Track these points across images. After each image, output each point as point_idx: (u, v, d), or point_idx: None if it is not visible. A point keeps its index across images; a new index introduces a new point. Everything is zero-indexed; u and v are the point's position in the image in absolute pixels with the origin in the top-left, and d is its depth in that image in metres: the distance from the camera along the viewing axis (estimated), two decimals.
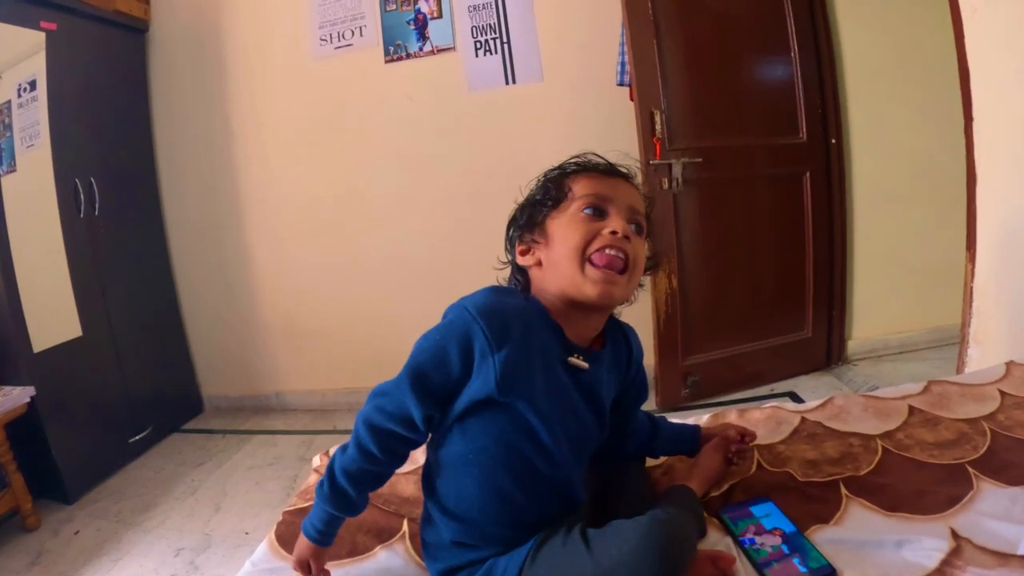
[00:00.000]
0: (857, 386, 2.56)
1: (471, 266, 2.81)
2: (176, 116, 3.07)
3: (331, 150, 2.96)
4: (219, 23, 2.99)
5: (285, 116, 2.99)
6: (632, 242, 0.84)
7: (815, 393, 2.52)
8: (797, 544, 0.86)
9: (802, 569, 0.81)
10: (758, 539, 0.88)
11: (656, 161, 2.32)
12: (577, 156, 0.93)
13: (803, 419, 1.18)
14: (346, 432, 2.76)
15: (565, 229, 0.84)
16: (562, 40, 2.70)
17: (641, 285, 0.92)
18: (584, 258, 0.83)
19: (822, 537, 0.88)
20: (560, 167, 0.92)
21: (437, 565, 0.87)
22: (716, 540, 0.90)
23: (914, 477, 1.00)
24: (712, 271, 2.54)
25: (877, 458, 1.06)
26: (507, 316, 0.80)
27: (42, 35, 2.43)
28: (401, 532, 1.02)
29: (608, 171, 0.89)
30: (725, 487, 1.03)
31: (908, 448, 1.09)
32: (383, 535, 1.00)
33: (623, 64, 2.45)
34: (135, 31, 2.96)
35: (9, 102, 2.37)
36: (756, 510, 0.94)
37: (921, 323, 2.84)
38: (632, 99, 2.38)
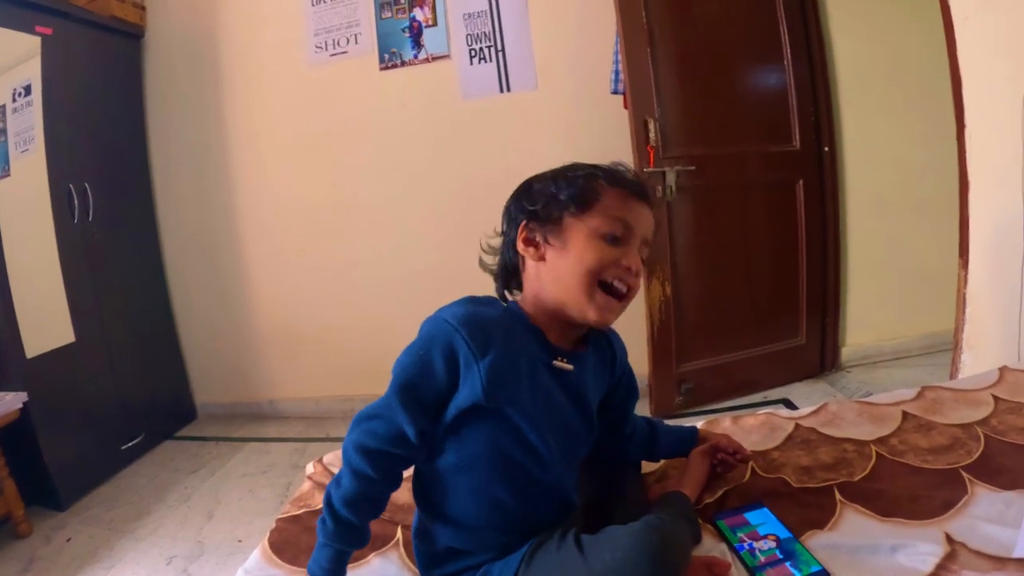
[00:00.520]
0: (851, 392, 2.57)
1: (466, 274, 2.79)
2: (171, 122, 3.07)
3: (326, 157, 2.97)
4: (214, 29, 2.99)
5: (280, 123, 2.99)
6: (640, 272, 0.85)
7: (809, 400, 2.52)
8: (791, 549, 0.86)
9: (796, 574, 0.81)
10: (753, 544, 0.88)
11: (650, 169, 2.33)
12: (611, 164, 0.89)
13: (797, 425, 1.19)
14: (339, 439, 2.75)
15: (583, 247, 0.82)
16: (556, 48, 2.72)
17: None
18: (594, 284, 0.82)
19: (817, 543, 0.88)
20: (593, 167, 0.88)
21: (432, 572, 0.86)
22: (711, 546, 0.90)
23: (908, 482, 1.00)
24: (706, 279, 2.55)
25: (871, 464, 1.07)
26: (487, 324, 0.80)
27: (37, 39, 2.43)
28: (395, 539, 1.02)
29: (639, 193, 0.86)
30: (720, 493, 1.03)
31: (902, 453, 1.09)
32: (377, 542, 0.99)
33: (617, 72, 2.46)
34: (131, 37, 2.97)
35: (3, 106, 2.36)
36: (751, 516, 0.94)
37: (914, 329, 2.86)
38: (626, 107, 2.39)
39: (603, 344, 0.95)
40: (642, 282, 0.88)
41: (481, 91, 2.78)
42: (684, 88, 2.45)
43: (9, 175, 2.35)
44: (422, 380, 0.79)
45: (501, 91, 2.76)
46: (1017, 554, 0.79)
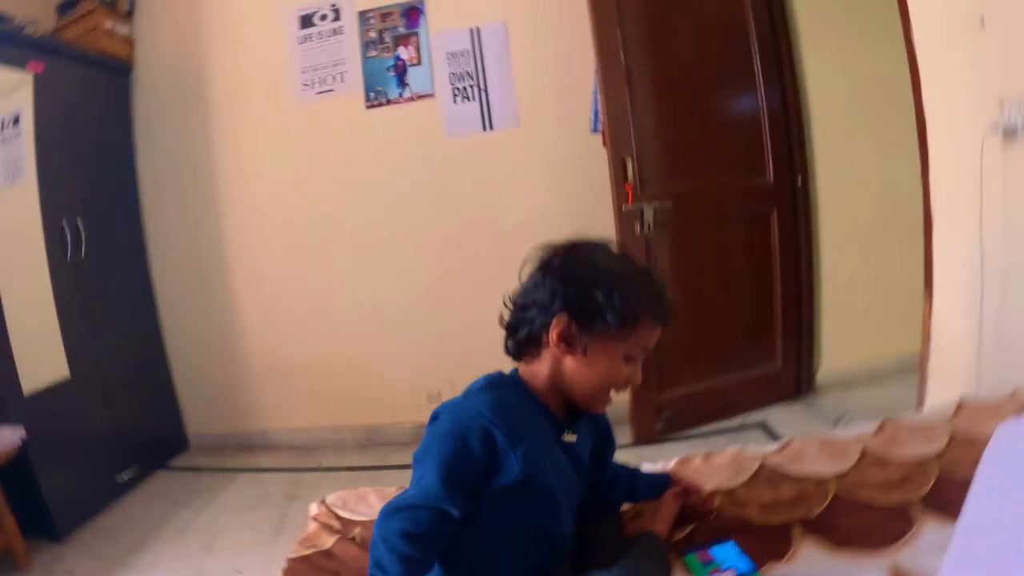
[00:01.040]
0: (827, 414, 2.67)
1: (450, 306, 2.94)
2: (160, 156, 3.14)
3: (313, 192, 3.05)
4: (202, 65, 3.07)
5: (268, 158, 3.07)
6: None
7: (785, 422, 2.62)
8: None
9: None
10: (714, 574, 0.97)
11: (628, 207, 2.43)
12: (651, 282, 0.97)
13: (762, 464, 1.28)
14: (332, 469, 2.82)
15: (605, 364, 0.93)
16: (537, 87, 2.83)
17: None
18: (606, 393, 0.95)
19: (774, 573, 0.97)
20: (639, 286, 0.94)
21: None
22: None
23: (861, 517, 1.09)
24: (684, 309, 2.61)
25: (828, 500, 1.15)
26: (515, 413, 0.91)
27: (29, 76, 2.48)
28: None
29: (667, 322, 0.96)
30: (688, 529, 1.11)
31: (858, 489, 1.18)
32: None
33: (596, 112, 2.57)
34: (119, 72, 3.03)
35: None
36: (716, 551, 1.02)
37: (888, 351, 2.94)
38: (605, 146, 2.50)
39: None
40: None
41: (464, 129, 2.88)
42: (661, 126, 2.56)
43: None
44: (464, 465, 0.87)
45: (484, 129, 2.87)
46: None
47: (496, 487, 0.89)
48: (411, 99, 2.91)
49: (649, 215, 2.46)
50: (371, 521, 1.21)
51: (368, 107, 2.95)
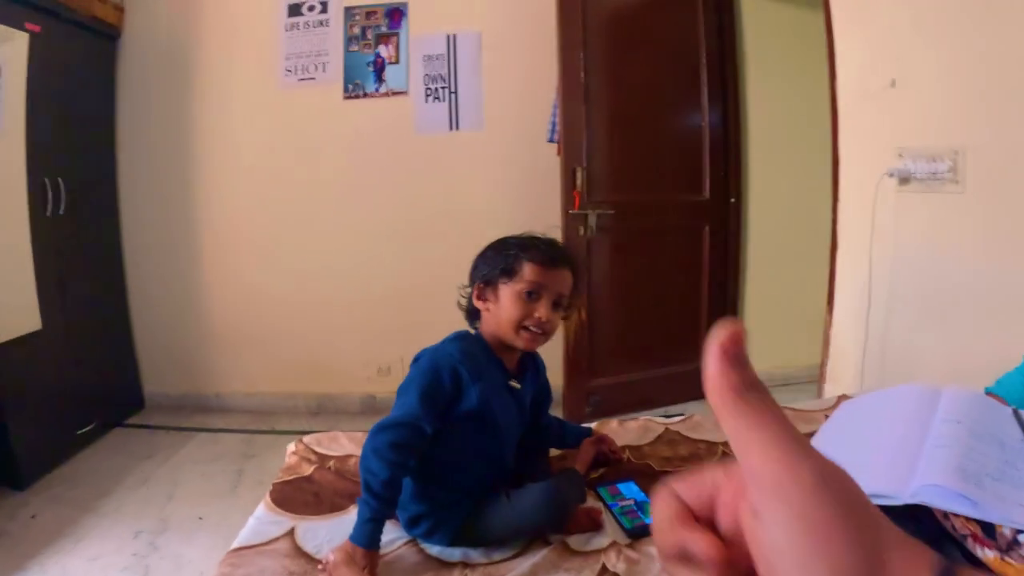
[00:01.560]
0: None
1: (406, 288, 3.17)
2: (140, 122, 3.22)
3: (287, 171, 3.21)
4: (190, 38, 3.18)
5: (245, 135, 3.21)
6: (552, 319, 1.23)
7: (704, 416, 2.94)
8: (643, 506, 1.25)
9: (642, 516, 1.21)
10: (619, 503, 1.27)
11: (575, 211, 2.71)
12: (532, 237, 1.28)
13: (667, 428, 1.58)
14: (285, 433, 3.04)
15: (508, 303, 1.22)
16: (504, 95, 3.08)
17: None
18: (518, 328, 1.22)
19: None
20: (520, 245, 1.25)
21: (405, 514, 1.22)
22: (591, 503, 1.28)
23: None
24: (619, 308, 2.95)
25: (716, 458, 1.46)
26: (477, 359, 1.23)
27: (26, 36, 2.55)
28: None
29: (551, 261, 1.24)
30: (600, 472, 1.41)
31: None
32: (354, 496, 1.30)
33: (554, 124, 2.84)
34: (108, 37, 3.10)
35: None
36: (621, 487, 1.32)
37: (799, 360, 3.24)
38: (559, 155, 2.77)
39: (534, 365, 1.37)
40: (557, 325, 1.27)
41: (433, 127, 3.11)
42: (612, 141, 2.85)
43: None
44: (437, 392, 1.17)
45: (451, 129, 3.11)
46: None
47: (458, 413, 1.19)
48: (386, 94, 3.12)
49: (593, 220, 2.75)
50: (344, 456, 1.47)
51: (346, 98, 3.14)
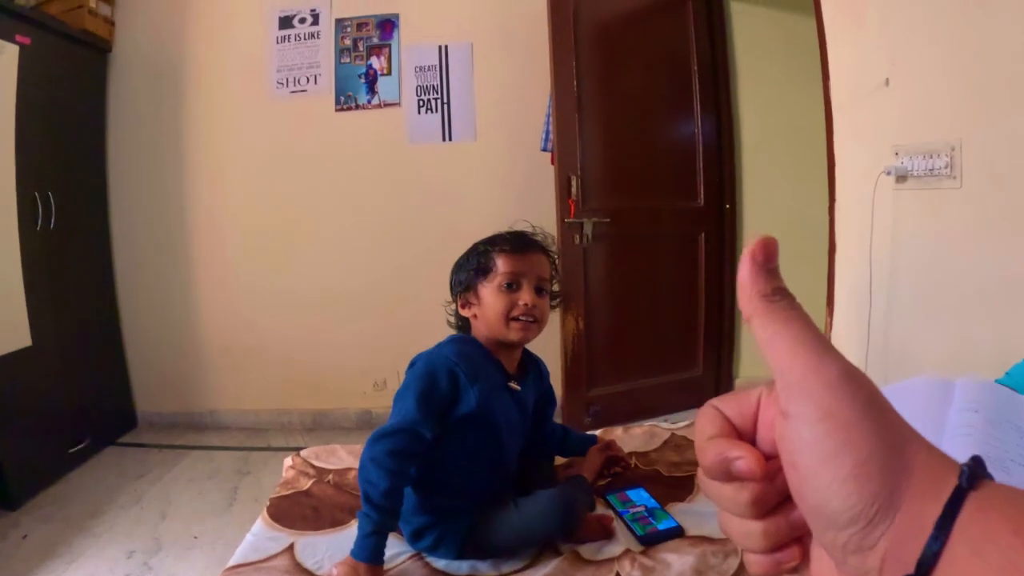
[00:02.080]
0: None
1: (400, 300, 3.14)
2: (130, 136, 3.21)
3: (279, 184, 3.19)
4: (181, 53, 3.17)
5: (237, 148, 3.19)
6: (539, 304, 1.21)
7: None
8: (655, 512, 1.22)
9: (653, 522, 1.19)
10: (629, 510, 1.24)
11: (570, 219, 2.70)
12: (500, 233, 1.28)
13: (672, 434, 1.55)
14: (281, 449, 2.98)
15: (492, 299, 1.22)
16: (496, 106, 3.07)
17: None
18: (507, 320, 1.20)
19: (677, 509, 1.24)
20: (487, 242, 1.26)
21: (408, 527, 1.18)
22: (601, 510, 1.26)
23: None
24: (616, 316, 2.93)
25: None
26: (474, 360, 1.19)
27: (16, 48, 2.53)
28: None
29: (521, 248, 1.24)
30: (608, 479, 1.38)
31: None
32: (355, 509, 1.28)
33: (548, 133, 2.84)
34: (99, 51, 3.09)
35: None
36: (630, 493, 1.29)
37: None
38: (553, 164, 2.76)
39: (536, 369, 1.35)
40: (555, 311, 1.27)
41: (426, 138, 3.10)
42: (606, 149, 2.84)
43: None
44: (434, 395, 1.14)
45: (444, 140, 3.10)
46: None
47: (457, 416, 1.16)
48: (379, 106, 3.11)
49: (588, 228, 2.73)
50: (343, 469, 1.44)
51: (338, 110, 3.13)
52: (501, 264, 1.22)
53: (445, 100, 3.09)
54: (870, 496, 0.26)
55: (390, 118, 3.12)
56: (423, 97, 3.10)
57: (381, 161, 3.14)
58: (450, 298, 1.32)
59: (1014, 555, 0.23)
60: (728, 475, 0.30)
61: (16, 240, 2.59)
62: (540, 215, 2.78)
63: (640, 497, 1.27)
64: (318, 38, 3.12)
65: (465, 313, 1.27)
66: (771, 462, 0.30)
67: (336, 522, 1.27)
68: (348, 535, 1.13)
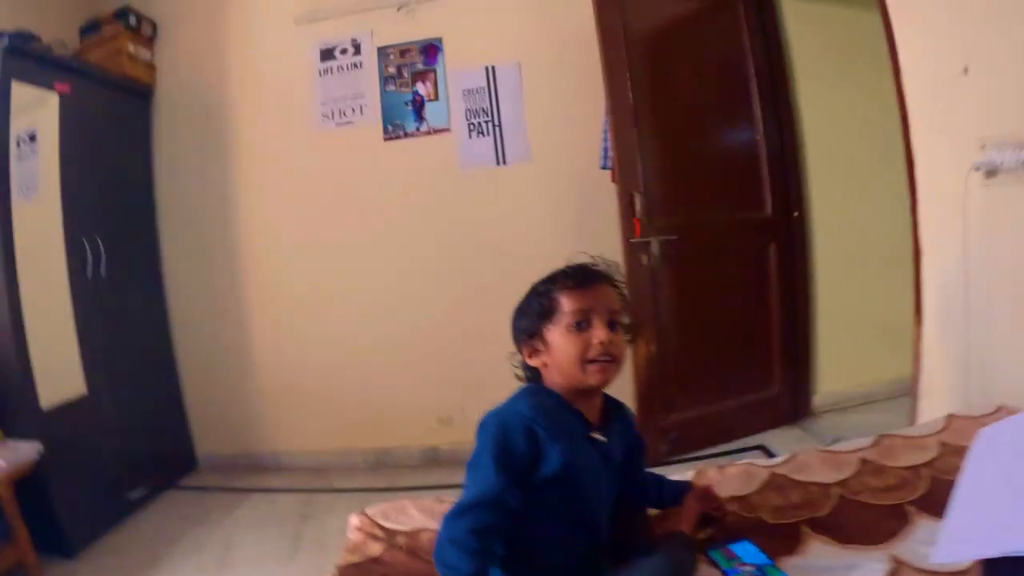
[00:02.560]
0: (823, 437, 2.76)
1: (462, 332, 3.04)
2: (178, 179, 3.23)
3: (330, 221, 3.15)
4: (223, 92, 3.19)
5: (286, 186, 3.18)
6: (614, 340, 1.08)
7: (784, 445, 2.70)
8: (767, 570, 1.06)
9: None
10: (739, 570, 1.07)
11: (636, 239, 2.56)
12: (559, 270, 1.14)
13: (772, 473, 1.39)
14: (345, 491, 2.88)
15: (562, 343, 1.08)
16: (549, 124, 2.98)
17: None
18: (583, 363, 1.06)
19: (788, 565, 1.07)
20: (547, 281, 1.14)
21: None
22: (706, 572, 1.09)
23: (863, 516, 1.20)
24: (687, 337, 2.76)
25: (832, 502, 1.26)
26: (552, 414, 1.06)
27: (51, 95, 2.57)
28: None
29: (585, 282, 1.10)
30: (710, 531, 1.22)
31: (859, 493, 1.29)
32: None
33: (606, 149, 2.71)
34: (141, 96, 3.15)
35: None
36: (735, 548, 1.13)
37: (881, 375, 3.04)
38: (614, 181, 2.63)
39: (621, 415, 1.20)
40: (624, 349, 1.11)
41: (479, 163, 3.02)
42: (666, 163, 2.71)
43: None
44: (514, 458, 1.00)
45: (498, 163, 3.01)
46: (933, 559, 0.97)
47: (541, 478, 1.01)
48: (428, 133, 3.05)
49: (655, 247, 2.59)
50: (415, 531, 1.31)
51: (386, 139, 3.08)
52: (566, 303, 1.09)
53: (496, 122, 3.01)
54: None
55: (440, 144, 3.05)
56: (473, 120, 3.03)
57: (434, 189, 3.07)
58: (514, 350, 1.18)
59: None
60: None
61: (67, 287, 2.62)
62: (603, 236, 2.69)
63: (747, 552, 1.11)
64: (361, 68, 3.08)
65: (533, 363, 1.14)
66: None
67: None
68: None
